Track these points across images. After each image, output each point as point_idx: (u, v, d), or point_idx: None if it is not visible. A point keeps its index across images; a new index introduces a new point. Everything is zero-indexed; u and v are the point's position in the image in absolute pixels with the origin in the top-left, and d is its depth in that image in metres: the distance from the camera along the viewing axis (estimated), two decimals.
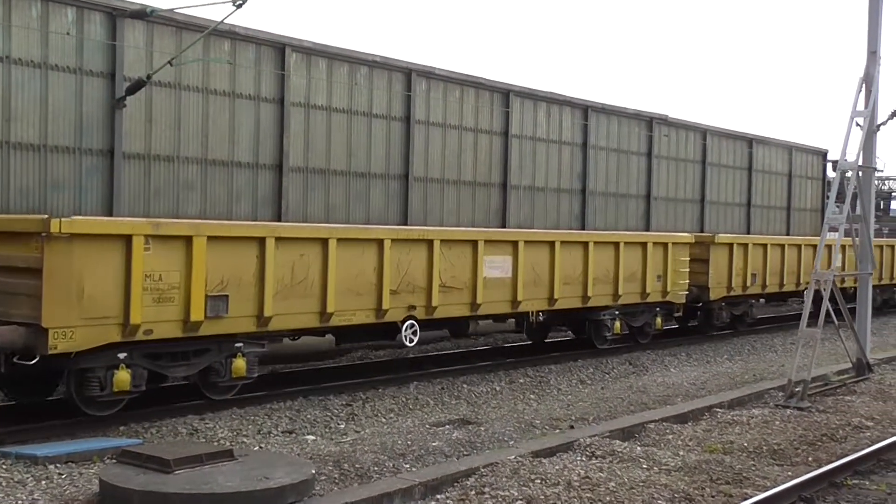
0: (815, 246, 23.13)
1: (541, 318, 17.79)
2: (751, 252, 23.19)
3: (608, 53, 78.36)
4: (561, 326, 20.03)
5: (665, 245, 20.02)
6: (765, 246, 24.02)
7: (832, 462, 10.39)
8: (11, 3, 15.61)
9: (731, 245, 22.51)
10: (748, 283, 23.12)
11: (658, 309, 20.35)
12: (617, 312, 19.18)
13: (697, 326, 23.21)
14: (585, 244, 18.12)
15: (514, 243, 16.55)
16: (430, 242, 14.90)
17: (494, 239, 16.42)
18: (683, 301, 20.82)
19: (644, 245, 19.54)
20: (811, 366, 14.71)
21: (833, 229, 16.09)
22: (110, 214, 16.75)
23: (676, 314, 21.24)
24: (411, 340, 14.57)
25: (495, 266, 16.13)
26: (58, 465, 9.68)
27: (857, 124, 16.36)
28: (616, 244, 18.83)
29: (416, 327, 14.71)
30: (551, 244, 17.31)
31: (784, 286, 24.82)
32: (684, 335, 22.75)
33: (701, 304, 22.29)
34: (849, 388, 15.64)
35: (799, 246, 25.87)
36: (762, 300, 27.24)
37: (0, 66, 15.59)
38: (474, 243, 15.76)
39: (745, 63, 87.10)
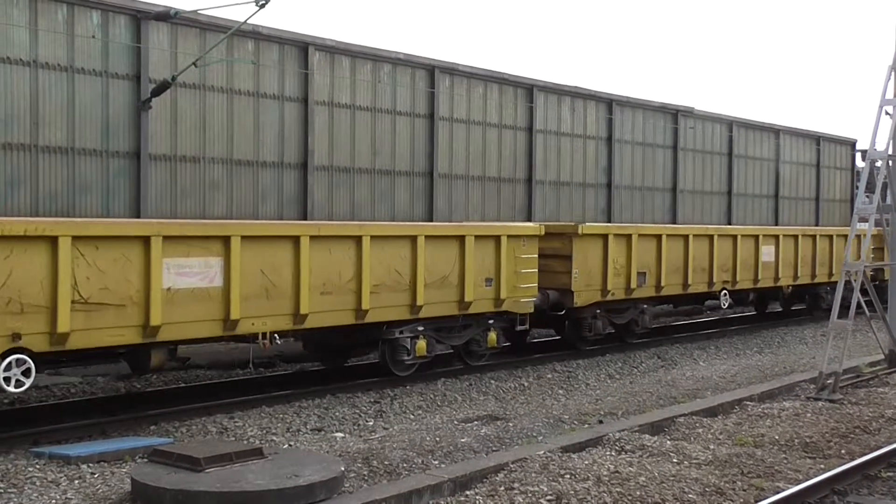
0: (752, 236, 22.14)
1: (277, 341, 12.71)
2: (636, 246, 18.57)
3: (632, 46, 77.97)
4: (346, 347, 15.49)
5: (497, 239, 15.54)
6: (658, 237, 19.33)
7: (865, 454, 10.26)
8: (38, 7, 15.76)
9: (604, 237, 17.96)
10: (633, 285, 18.64)
11: (491, 322, 15.86)
12: (421, 328, 14.66)
13: (564, 339, 18.71)
14: (358, 239, 13.46)
15: (226, 239, 12.02)
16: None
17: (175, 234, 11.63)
18: (529, 310, 16.29)
19: (461, 239, 14.94)
20: (843, 357, 14.56)
21: (863, 220, 15.91)
22: (137, 216, 16.88)
23: (521, 327, 16.44)
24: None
25: (186, 272, 11.58)
26: (90, 464, 9.76)
27: (887, 113, 16.15)
28: (413, 238, 14.26)
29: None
30: (296, 240, 12.76)
31: (690, 286, 20.10)
32: (546, 350, 18.40)
33: (564, 312, 17.74)
34: (881, 379, 15.46)
35: (711, 237, 20.85)
36: (668, 305, 23.00)
37: (27, 71, 15.75)
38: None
39: (771, 53, 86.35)
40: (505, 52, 70.01)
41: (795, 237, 23.78)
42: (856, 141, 38.87)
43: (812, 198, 36.74)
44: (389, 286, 13.93)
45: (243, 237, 12.11)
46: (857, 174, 37.57)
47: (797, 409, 12.87)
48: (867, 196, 16.01)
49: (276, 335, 12.56)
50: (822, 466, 9.85)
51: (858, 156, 38.07)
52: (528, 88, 24.86)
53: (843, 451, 10.66)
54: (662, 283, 19.30)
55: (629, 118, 28.14)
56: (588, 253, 17.59)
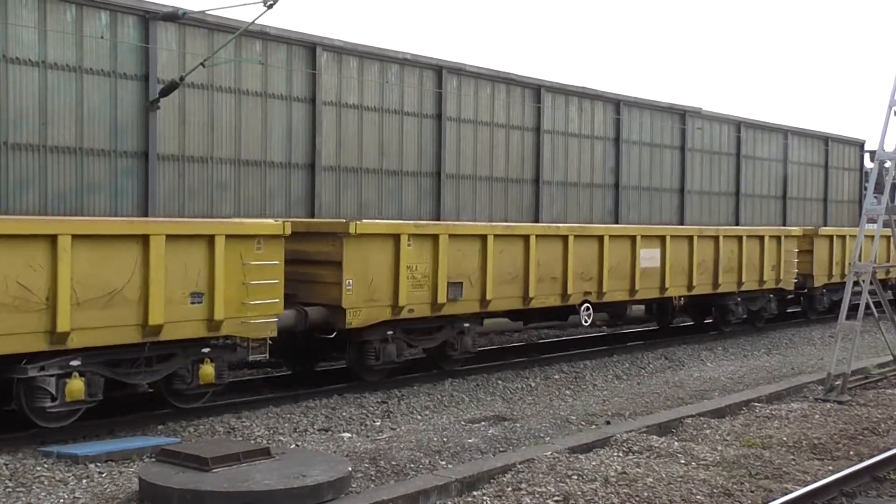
0: (627, 237, 18.02)
1: None
2: (446, 249, 14.64)
3: (640, 47, 77.87)
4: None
5: (210, 240, 11.61)
6: (484, 238, 15.21)
7: (874, 456, 10.23)
8: (46, 8, 15.80)
9: (395, 237, 14.09)
10: (442, 299, 14.59)
11: (206, 350, 11.93)
12: (75, 363, 10.69)
13: (348, 368, 14.70)
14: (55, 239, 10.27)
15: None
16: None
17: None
18: (267, 334, 12.36)
19: (145, 241, 10.97)
20: (851, 359, 14.51)
21: (872, 220, 15.87)
22: (145, 215, 16.91)
23: (255, 356, 12.56)
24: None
25: None
26: (98, 463, 9.78)
27: None
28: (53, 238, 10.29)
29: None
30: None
31: (533, 300, 16.14)
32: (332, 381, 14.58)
33: (336, 335, 13.79)
34: (890, 381, 15.41)
35: (565, 237, 16.66)
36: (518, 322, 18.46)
37: (36, 71, 15.79)
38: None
39: (779, 53, 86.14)
40: (512, 52, 69.99)
41: (690, 238, 19.63)
42: (864, 142, 38.79)
43: (820, 199, 36.64)
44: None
45: None
46: (866, 175, 37.47)
47: (805, 410, 12.84)
48: (876, 197, 15.95)
49: None
50: (831, 468, 9.82)
51: (867, 156, 37.96)
52: (536, 89, 24.85)
53: (851, 453, 10.63)
54: (489, 297, 15.24)
55: (637, 118, 28.10)
56: (369, 259, 13.70)
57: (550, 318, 18.58)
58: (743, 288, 21.25)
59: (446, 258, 14.65)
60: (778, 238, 22.33)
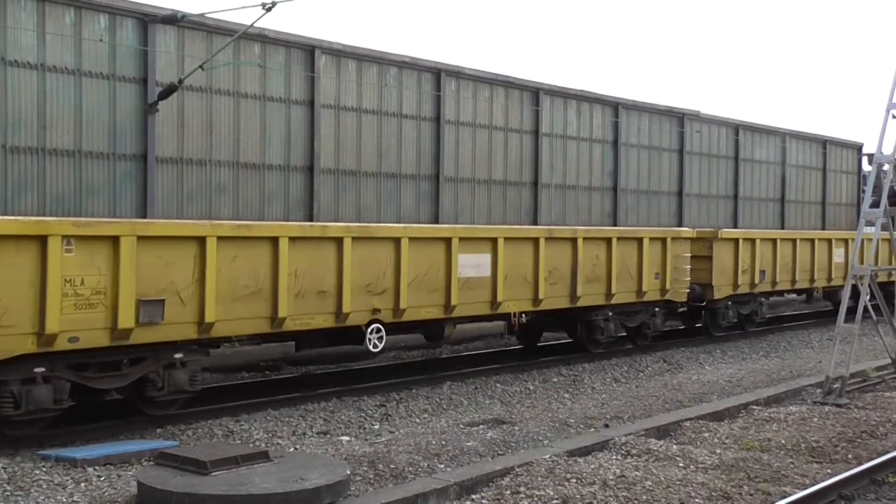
0: (441, 239, 14.63)
1: None
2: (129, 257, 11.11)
3: (638, 50, 77.92)
4: None
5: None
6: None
7: (872, 459, 10.24)
8: (45, 11, 15.80)
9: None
10: (143, 320, 11.22)
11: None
12: None
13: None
14: None
15: None
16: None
17: None
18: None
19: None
20: (849, 362, 14.52)
21: (870, 224, 15.88)
22: (144, 218, 16.90)
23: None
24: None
25: None
26: (96, 467, 9.78)
27: (894, 116, 16.09)
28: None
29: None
30: None
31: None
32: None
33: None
34: (888, 384, 15.43)
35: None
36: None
37: (35, 74, 15.79)
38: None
39: (777, 56, 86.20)
40: (511, 55, 70.02)
41: (535, 241, 16.18)
42: (862, 144, 38.83)
43: (818, 201, 36.67)
44: None
45: None
46: (864, 178, 37.49)
47: (804, 413, 12.84)
48: (874, 200, 15.96)
49: None
50: (829, 471, 9.83)
51: (865, 159, 37.98)
52: (535, 92, 24.86)
53: (849, 456, 10.64)
54: (211, 319, 11.89)
55: (635, 121, 28.12)
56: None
57: (323, 344, 14.61)
58: (614, 301, 17.72)
59: (133, 268, 11.06)
60: (662, 240, 18.77)
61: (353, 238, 13.47)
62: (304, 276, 12.87)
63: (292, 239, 12.76)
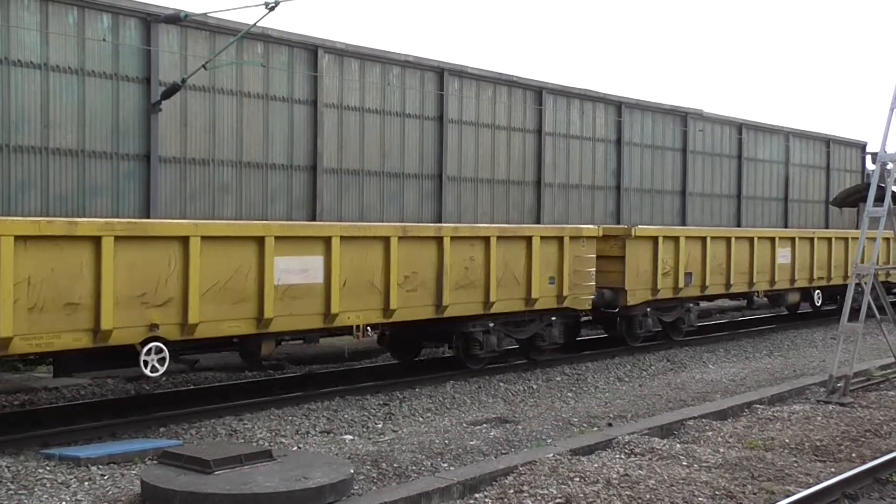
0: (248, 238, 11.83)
1: None
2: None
3: (641, 49, 77.89)
4: None
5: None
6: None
7: (877, 458, 10.22)
8: (49, 11, 15.82)
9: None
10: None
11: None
12: None
13: None
14: None
15: None
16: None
17: None
18: None
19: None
20: (853, 361, 14.50)
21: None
22: (147, 218, 16.92)
23: None
24: None
25: None
26: (100, 466, 9.78)
27: None
28: None
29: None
30: None
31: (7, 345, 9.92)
32: None
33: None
34: (892, 382, 15.39)
35: (95, 238, 10.59)
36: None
37: (38, 73, 15.81)
38: None
39: (781, 55, 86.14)
40: (514, 54, 70.01)
41: (385, 240, 13.62)
42: (866, 143, 38.80)
43: (822, 200, 36.64)
44: None
45: None
46: (868, 177, 37.44)
47: (807, 412, 12.82)
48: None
49: None
50: (833, 470, 9.80)
51: (868, 158, 37.95)
52: (538, 91, 24.85)
53: (853, 455, 10.62)
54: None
55: (638, 120, 28.10)
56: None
57: (86, 367, 12.20)
58: (495, 310, 15.26)
59: None
60: (559, 240, 16.21)
61: (118, 238, 10.71)
62: (41, 286, 10.19)
63: (19, 238, 9.95)
